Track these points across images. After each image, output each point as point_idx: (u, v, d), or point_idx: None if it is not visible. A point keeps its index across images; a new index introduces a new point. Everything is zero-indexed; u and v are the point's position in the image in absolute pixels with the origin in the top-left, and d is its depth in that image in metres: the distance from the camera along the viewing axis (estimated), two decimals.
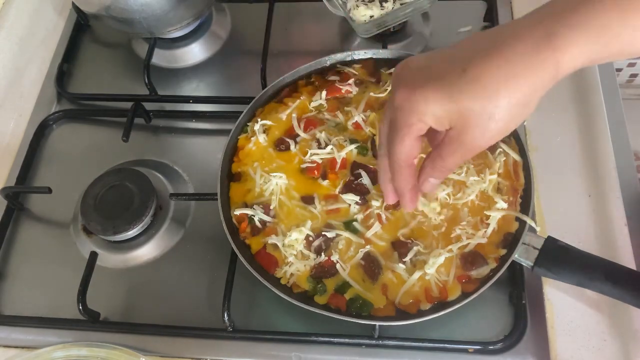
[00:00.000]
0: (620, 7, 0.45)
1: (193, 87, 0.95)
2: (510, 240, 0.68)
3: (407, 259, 0.67)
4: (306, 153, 0.74)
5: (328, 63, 0.83)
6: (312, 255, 0.69)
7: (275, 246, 0.69)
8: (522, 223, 0.68)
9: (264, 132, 0.77)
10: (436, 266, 0.66)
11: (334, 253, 0.68)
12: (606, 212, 0.74)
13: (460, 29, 0.93)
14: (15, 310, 0.77)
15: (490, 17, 0.92)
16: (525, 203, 0.70)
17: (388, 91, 0.79)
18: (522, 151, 0.72)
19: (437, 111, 0.48)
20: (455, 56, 0.48)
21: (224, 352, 0.71)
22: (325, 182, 0.73)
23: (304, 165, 0.74)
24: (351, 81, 0.79)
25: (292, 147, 0.76)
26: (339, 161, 0.73)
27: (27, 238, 0.83)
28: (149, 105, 0.90)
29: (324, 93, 0.78)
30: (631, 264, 0.70)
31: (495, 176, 0.70)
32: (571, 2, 0.47)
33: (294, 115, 0.78)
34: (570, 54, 0.46)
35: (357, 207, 0.71)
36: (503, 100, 0.46)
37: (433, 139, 0.57)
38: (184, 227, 0.81)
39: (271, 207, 0.72)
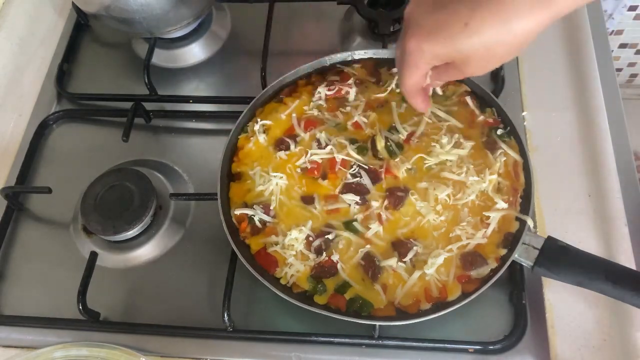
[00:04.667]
0: None
1: (193, 87, 0.95)
2: (511, 240, 0.68)
3: (407, 259, 0.67)
4: (306, 153, 0.74)
5: (328, 63, 0.83)
6: (312, 256, 0.69)
7: (275, 245, 0.69)
8: (523, 223, 0.68)
9: (264, 132, 0.77)
10: (435, 267, 0.66)
11: (334, 253, 0.68)
12: (606, 212, 0.74)
13: None
14: (15, 310, 0.77)
15: None
16: (525, 203, 0.70)
17: (388, 91, 0.79)
18: (522, 151, 0.72)
19: (442, 56, 0.55)
20: (459, 4, 0.52)
21: (224, 352, 0.71)
22: (325, 182, 0.73)
23: (304, 166, 0.74)
24: (351, 81, 0.79)
25: (292, 147, 0.76)
26: (338, 161, 0.73)
27: (27, 238, 0.83)
28: (149, 105, 0.90)
29: (324, 89, 0.78)
30: (631, 264, 0.70)
31: (495, 176, 0.70)
32: None
33: (293, 115, 0.78)
34: (565, 3, 0.50)
35: (357, 207, 0.71)
36: (500, 48, 0.53)
37: None
38: (184, 227, 0.81)
39: (271, 207, 0.72)
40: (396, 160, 0.73)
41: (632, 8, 1.53)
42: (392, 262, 0.67)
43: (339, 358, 0.70)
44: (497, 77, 0.85)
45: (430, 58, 0.56)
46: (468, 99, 0.77)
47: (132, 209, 0.78)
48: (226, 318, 0.70)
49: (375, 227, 0.69)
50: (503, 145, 0.72)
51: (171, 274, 0.78)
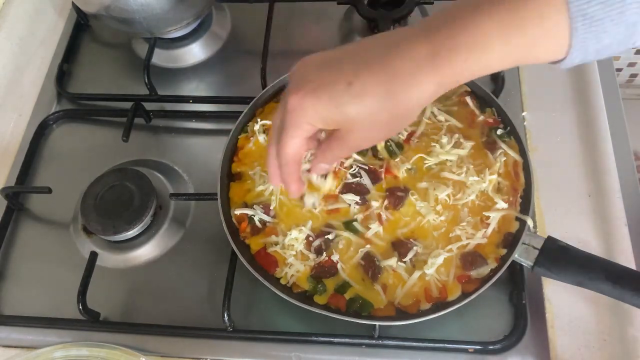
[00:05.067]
0: (500, 25, 0.46)
1: (193, 87, 0.95)
2: (511, 240, 0.68)
3: (407, 259, 0.67)
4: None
5: None
6: (312, 256, 0.69)
7: (275, 245, 0.69)
8: (523, 223, 0.68)
9: (264, 132, 0.77)
10: (435, 267, 0.66)
11: (334, 253, 0.68)
12: (606, 212, 0.74)
13: None
14: (15, 310, 0.77)
15: None
16: (525, 203, 0.70)
17: None
18: (522, 151, 0.72)
19: (325, 117, 0.52)
20: (345, 64, 0.51)
21: (224, 352, 0.71)
22: None
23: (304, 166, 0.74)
24: None
25: None
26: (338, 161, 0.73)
27: (27, 238, 0.83)
28: (149, 105, 0.90)
29: None
30: (631, 264, 0.70)
31: (495, 176, 0.70)
32: (456, 19, 0.48)
33: None
34: (453, 73, 0.49)
35: (357, 207, 0.71)
36: (383, 114, 0.50)
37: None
38: (184, 227, 0.81)
39: (271, 207, 0.72)
40: (396, 160, 0.73)
41: None
42: (392, 262, 0.67)
43: (339, 358, 0.70)
44: (497, 77, 0.85)
45: (312, 117, 0.52)
46: (468, 99, 0.77)
47: (132, 209, 0.78)
48: (226, 318, 0.70)
49: (375, 227, 0.69)
50: (503, 145, 0.72)
51: (171, 274, 0.78)
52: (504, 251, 0.67)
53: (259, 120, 0.77)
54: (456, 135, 0.73)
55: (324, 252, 0.68)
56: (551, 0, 0.44)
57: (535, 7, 0.45)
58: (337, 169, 0.73)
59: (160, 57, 0.95)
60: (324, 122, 0.52)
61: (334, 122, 0.52)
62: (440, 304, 0.65)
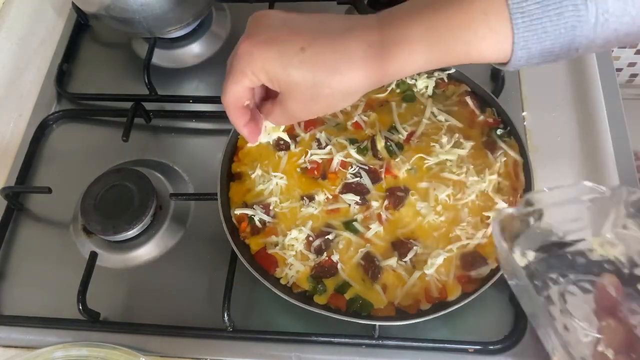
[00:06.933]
0: (448, 22, 0.49)
1: (193, 87, 0.95)
2: None
3: (407, 259, 0.67)
4: (306, 153, 0.74)
5: None
6: (312, 256, 0.69)
7: (275, 246, 0.69)
8: None
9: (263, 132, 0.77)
10: (435, 267, 0.66)
11: (334, 253, 0.68)
12: None
13: None
14: (15, 310, 0.77)
15: None
16: None
17: (389, 91, 0.79)
18: (522, 151, 0.72)
19: (270, 72, 0.52)
20: (303, 30, 0.52)
21: (224, 352, 0.71)
22: (325, 182, 0.73)
23: (304, 165, 0.74)
24: None
25: (292, 147, 0.76)
26: (338, 161, 0.73)
27: (27, 238, 0.83)
28: (149, 105, 0.90)
29: None
30: None
31: (495, 176, 0.70)
32: (409, 16, 0.51)
33: None
34: (397, 66, 0.51)
35: (357, 207, 0.71)
36: (326, 90, 0.52)
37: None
38: (184, 227, 0.81)
39: (271, 207, 0.72)
40: (396, 160, 0.73)
41: None
42: (392, 262, 0.67)
43: (339, 358, 0.70)
44: (497, 77, 0.85)
45: (258, 67, 0.52)
46: (468, 99, 0.77)
47: (132, 209, 0.78)
48: (226, 318, 0.70)
49: (375, 227, 0.69)
50: (503, 145, 0.72)
51: (171, 274, 0.78)
52: None
53: None
54: (456, 135, 0.73)
55: (324, 252, 0.68)
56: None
57: (480, 4, 0.48)
58: (336, 169, 0.73)
59: (160, 57, 0.95)
60: (267, 77, 0.53)
61: (277, 81, 0.53)
62: (440, 304, 0.65)
